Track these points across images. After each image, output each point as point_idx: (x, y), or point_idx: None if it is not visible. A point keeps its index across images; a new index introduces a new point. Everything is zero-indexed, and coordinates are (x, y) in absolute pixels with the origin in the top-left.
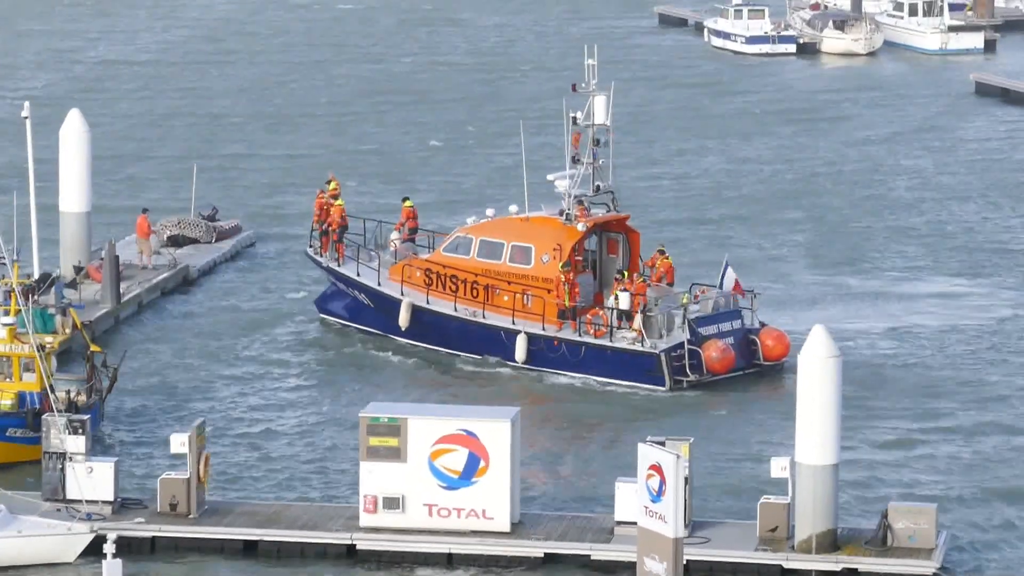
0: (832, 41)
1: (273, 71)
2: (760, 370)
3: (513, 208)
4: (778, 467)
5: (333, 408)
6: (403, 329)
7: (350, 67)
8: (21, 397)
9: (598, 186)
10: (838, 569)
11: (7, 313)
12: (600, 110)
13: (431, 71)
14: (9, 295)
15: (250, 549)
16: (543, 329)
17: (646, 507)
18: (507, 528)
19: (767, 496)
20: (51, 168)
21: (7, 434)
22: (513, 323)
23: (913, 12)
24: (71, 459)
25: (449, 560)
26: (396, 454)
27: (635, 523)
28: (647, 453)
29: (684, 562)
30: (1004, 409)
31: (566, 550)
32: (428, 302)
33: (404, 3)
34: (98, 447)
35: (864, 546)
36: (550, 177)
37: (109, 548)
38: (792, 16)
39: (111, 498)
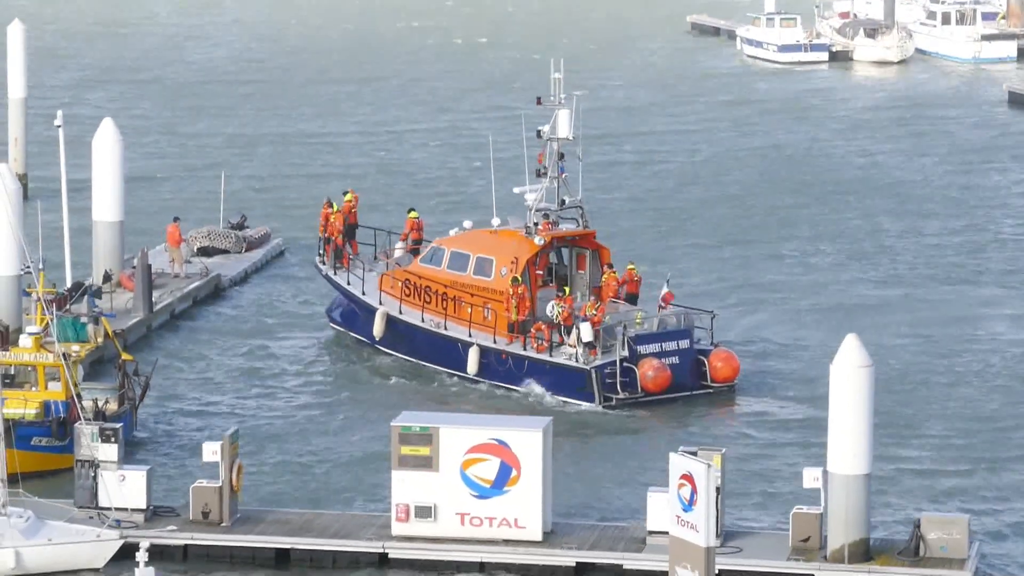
0: (864, 49)
1: (306, 88)
2: (712, 391)
3: (495, 221)
4: (811, 477)
5: (365, 417)
6: (377, 338)
7: (387, 83)
8: (46, 406)
9: (563, 200)
10: None
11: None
12: (564, 124)
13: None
14: (40, 305)
15: (282, 557)
16: (494, 342)
17: (678, 516)
18: (539, 537)
19: (800, 506)
20: (82, 181)
21: (31, 443)
22: (469, 335)
23: (946, 21)
24: (100, 467)
25: (481, 569)
26: (428, 463)
27: (667, 532)
28: (679, 463)
29: (716, 571)
30: None
31: (598, 559)
32: (401, 312)
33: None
34: (138, 455)
35: (896, 556)
36: (517, 190)
37: (142, 556)
38: (820, 24)
39: (143, 506)
